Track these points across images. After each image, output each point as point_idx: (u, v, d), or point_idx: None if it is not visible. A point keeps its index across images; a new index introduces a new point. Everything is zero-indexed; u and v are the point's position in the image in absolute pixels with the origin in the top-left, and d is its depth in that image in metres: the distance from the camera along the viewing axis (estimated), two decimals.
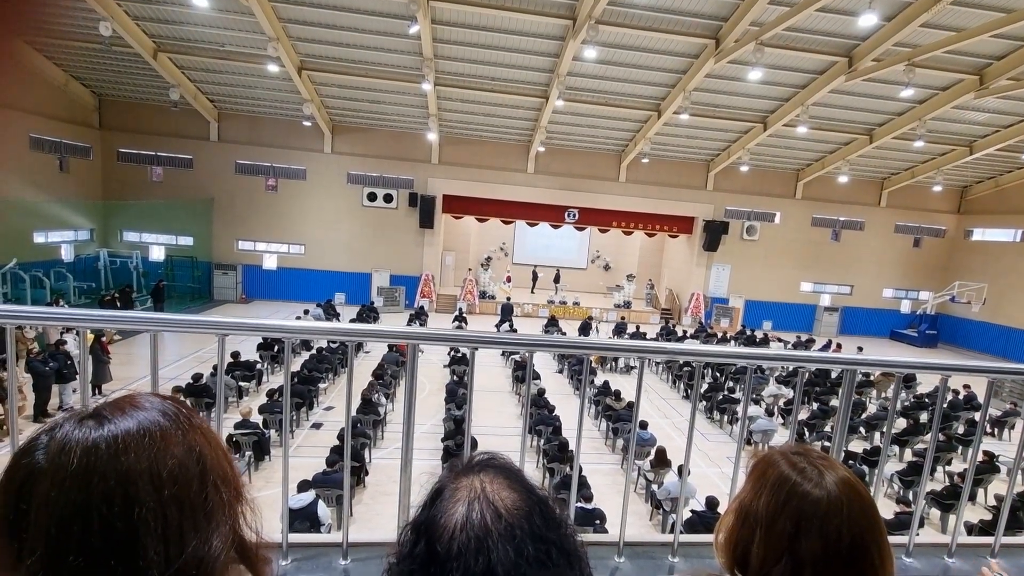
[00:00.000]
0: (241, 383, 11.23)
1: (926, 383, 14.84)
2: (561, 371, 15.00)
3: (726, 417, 12.14)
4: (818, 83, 15.19)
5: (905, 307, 24.07)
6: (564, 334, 18.11)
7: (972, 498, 8.82)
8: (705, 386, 13.01)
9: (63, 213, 17.55)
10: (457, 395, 10.42)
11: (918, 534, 2.22)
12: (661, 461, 8.57)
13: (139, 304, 17.29)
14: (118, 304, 15.68)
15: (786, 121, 17.06)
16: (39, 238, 16.91)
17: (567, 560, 0.65)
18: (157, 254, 19.38)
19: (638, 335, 18.15)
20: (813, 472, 0.91)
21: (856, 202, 23.33)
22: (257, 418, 8.97)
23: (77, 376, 10.01)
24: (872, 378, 14.54)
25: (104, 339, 11.21)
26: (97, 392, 10.58)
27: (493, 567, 0.60)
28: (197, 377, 9.98)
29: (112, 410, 0.64)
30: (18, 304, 13.85)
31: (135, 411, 0.65)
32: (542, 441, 9.27)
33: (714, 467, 9.92)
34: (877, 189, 23.38)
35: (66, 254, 17.30)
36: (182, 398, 9.04)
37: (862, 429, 11.62)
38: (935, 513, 8.38)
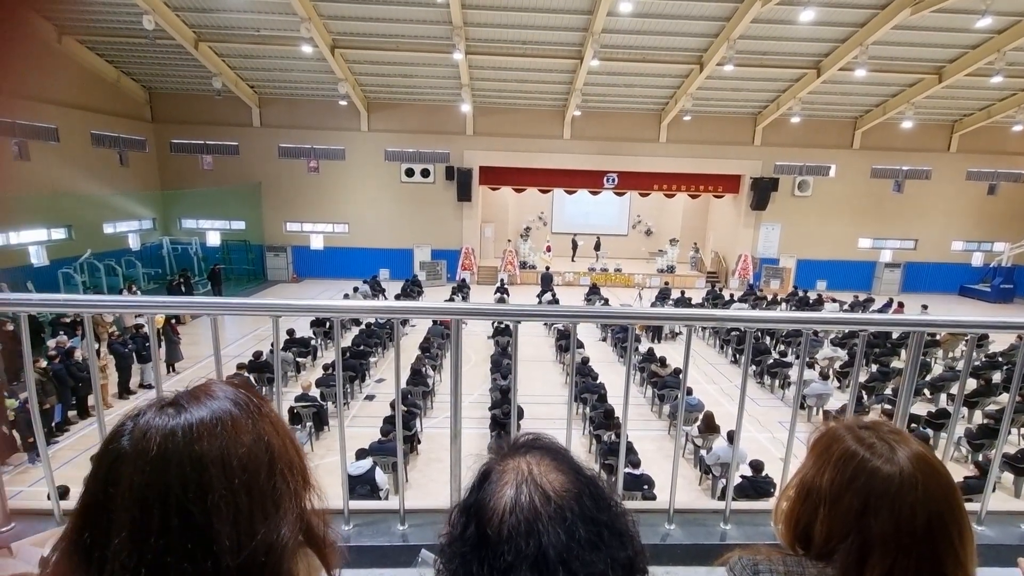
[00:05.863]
0: (298, 359, 11.84)
1: (1000, 341, 13.84)
2: (604, 339, 14.94)
3: (777, 381, 11.81)
4: (879, 19, 13.88)
5: (977, 260, 22.32)
6: (607, 301, 17.96)
7: None
8: (753, 350, 12.64)
9: (127, 204, 18.68)
10: (502, 365, 10.59)
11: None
12: (709, 427, 8.48)
13: (199, 288, 18.35)
14: (183, 289, 16.72)
15: (842, 65, 15.77)
16: (108, 229, 18.12)
17: (619, 541, 0.65)
18: (214, 239, 20.40)
19: (683, 301, 17.75)
20: (883, 447, 0.86)
21: (922, 149, 21.53)
22: (315, 391, 9.45)
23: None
24: (938, 337, 13.69)
25: (174, 321, 12.02)
26: (171, 370, 11.45)
27: (544, 550, 0.60)
28: (258, 355, 10.58)
29: (189, 399, 0.69)
30: (95, 291, 14.97)
31: (209, 400, 0.69)
32: (588, 408, 9.35)
33: (765, 432, 9.73)
34: (947, 133, 21.45)
35: (133, 243, 18.50)
36: (247, 374, 9.63)
37: (926, 391, 11.05)
38: (1007, 477, 7.95)
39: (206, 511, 0.61)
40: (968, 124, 20.71)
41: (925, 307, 15.88)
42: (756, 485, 6.53)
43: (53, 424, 8.85)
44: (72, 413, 9.53)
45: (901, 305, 17.29)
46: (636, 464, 6.73)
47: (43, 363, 9.01)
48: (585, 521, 0.63)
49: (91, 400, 9.67)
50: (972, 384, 10.75)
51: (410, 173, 21.51)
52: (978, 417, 10.12)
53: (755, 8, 13.05)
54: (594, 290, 19.35)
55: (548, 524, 0.61)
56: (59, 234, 16.13)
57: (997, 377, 11.34)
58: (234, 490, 0.63)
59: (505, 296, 18.72)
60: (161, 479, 0.61)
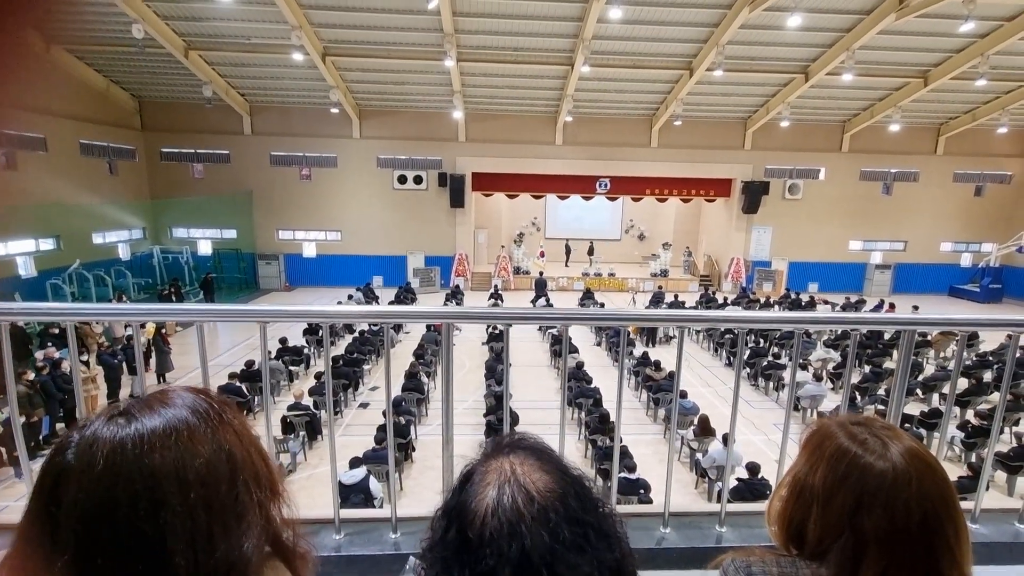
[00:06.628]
0: (291, 367, 11.73)
1: (990, 340, 13.98)
2: (599, 343, 14.93)
3: (771, 384, 11.84)
4: (865, 24, 14.09)
5: (965, 261, 22.58)
6: (601, 306, 17.98)
7: None
8: (748, 352, 12.67)
9: (117, 214, 18.52)
10: (496, 371, 10.55)
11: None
12: (705, 430, 8.48)
13: (191, 297, 18.19)
14: (174, 299, 16.55)
15: (830, 69, 15.97)
16: (97, 239, 17.93)
17: (606, 543, 0.62)
18: (205, 248, 20.25)
19: (676, 304, 17.80)
20: (876, 444, 0.84)
21: (909, 151, 21.81)
22: (308, 400, 9.36)
23: (147, 366, 10.71)
24: (929, 337, 13.80)
25: (164, 331, 11.90)
26: (162, 380, 11.31)
27: (528, 552, 0.58)
28: (250, 363, 10.48)
29: (141, 407, 0.63)
30: (85, 301, 14.80)
31: (164, 408, 0.64)
32: (583, 413, 9.32)
33: (759, 434, 9.74)
34: (933, 136, 21.75)
35: (123, 253, 18.32)
36: (239, 383, 9.51)
37: (919, 391, 11.11)
38: (1000, 476, 7.99)
39: (159, 529, 0.56)
40: (954, 127, 21.01)
41: (916, 307, 16.02)
42: (752, 487, 6.52)
43: (41, 437, 8.69)
44: (60, 425, 9.36)
45: (892, 306, 17.44)
46: (632, 468, 6.71)
47: (31, 375, 8.86)
48: (570, 522, 0.60)
49: (78, 412, 9.52)
50: (964, 383, 10.83)
51: (403, 180, 21.49)
52: (970, 415, 10.19)
53: (743, 14, 13.21)
54: (588, 295, 19.37)
55: (531, 526, 0.59)
56: (47, 244, 15.95)
57: (988, 376, 11.43)
58: (190, 505, 0.58)
59: (499, 302, 18.69)
60: (108, 495, 0.56)
